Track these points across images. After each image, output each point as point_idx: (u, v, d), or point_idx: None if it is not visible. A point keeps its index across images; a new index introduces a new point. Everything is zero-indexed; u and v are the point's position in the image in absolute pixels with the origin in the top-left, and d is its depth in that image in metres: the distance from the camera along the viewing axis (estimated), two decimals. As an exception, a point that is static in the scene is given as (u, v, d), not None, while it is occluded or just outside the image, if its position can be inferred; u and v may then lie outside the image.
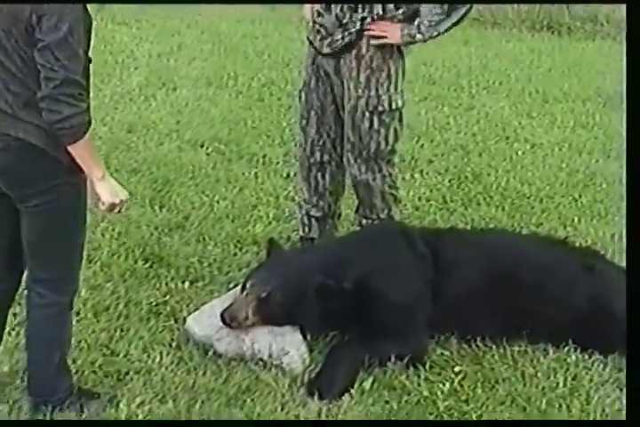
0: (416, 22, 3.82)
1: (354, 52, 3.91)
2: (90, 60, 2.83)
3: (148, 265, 4.24)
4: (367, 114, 3.98)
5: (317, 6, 3.95)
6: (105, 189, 2.79)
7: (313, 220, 4.38)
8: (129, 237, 4.48)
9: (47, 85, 2.60)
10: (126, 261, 4.24)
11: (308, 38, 4.08)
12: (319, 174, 4.27)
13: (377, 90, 3.94)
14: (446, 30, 3.85)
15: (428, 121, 6.74)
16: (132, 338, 3.60)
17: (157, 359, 3.48)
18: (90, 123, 2.69)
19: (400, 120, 4.07)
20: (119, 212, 2.93)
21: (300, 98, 4.23)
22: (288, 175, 5.48)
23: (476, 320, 3.72)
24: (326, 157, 4.23)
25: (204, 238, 4.57)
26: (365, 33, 3.84)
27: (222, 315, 3.50)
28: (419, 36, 3.84)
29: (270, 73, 8.01)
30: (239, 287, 3.68)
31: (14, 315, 3.42)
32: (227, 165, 5.66)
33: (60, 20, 2.56)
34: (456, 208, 5.15)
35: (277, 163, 5.71)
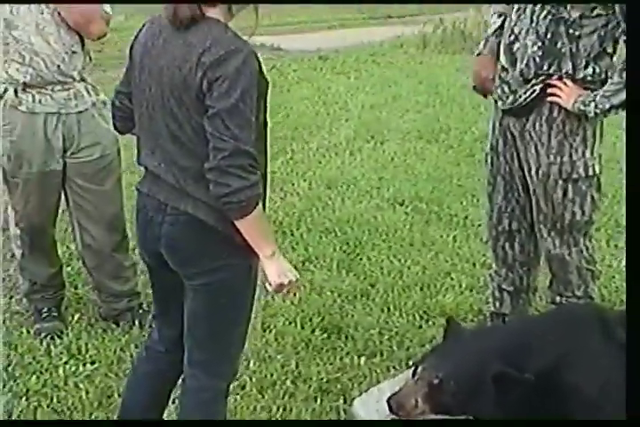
0: (598, 91, 3.41)
1: (544, 115, 3.53)
2: (266, 125, 2.65)
3: (325, 336, 4.00)
4: (560, 182, 3.59)
5: (502, 61, 3.61)
6: (274, 269, 2.56)
7: (505, 293, 4.01)
8: (309, 304, 4.27)
9: (215, 156, 2.37)
10: (303, 331, 4.02)
11: (494, 99, 3.74)
12: (507, 244, 3.90)
13: (571, 156, 3.55)
14: (620, 105, 3.37)
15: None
16: (294, 420, 3.36)
17: (320, 447, 3.23)
18: (260, 196, 2.46)
19: (598, 188, 3.66)
20: (288, 293, 2.70)
21: (486, 161, 3.90)
22: (488, 240, 5.11)
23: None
24: (515, 225, 3.86)
25: (388, 308, 4.29)
26: (548, 90, 3.48)
27: (389, 401, 3.19)
28: (588, 109, 3.42)
29: (485, 126, 7.65)
30: (410, 370, 3.36)
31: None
32: (424, 226, 5.38)
33: (231, 85, 2.35)
34: (674, 283, 4.60)
35: (479, 225, 5.34)
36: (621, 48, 3.40)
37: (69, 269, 4.46)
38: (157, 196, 2.58)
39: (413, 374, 3.29)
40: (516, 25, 3.53)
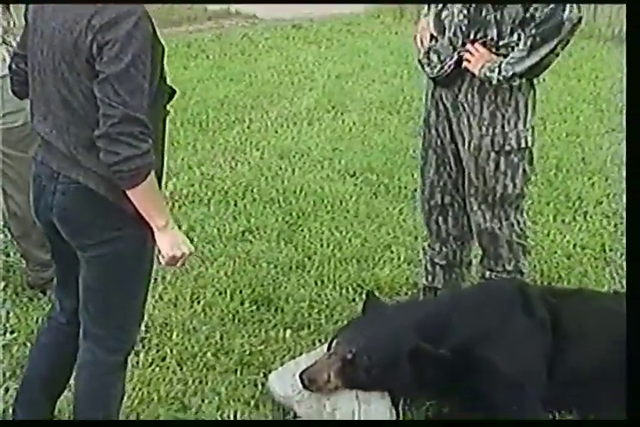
0: (504, 58, 3.35)
1: (475, 85, 3.46)
2: (172, 93, 2.57)
3: (254, 308, 3.97)
4: (492, 154, 3.53)
5: (431, 30, 3.54)
6: (166, 241, 2.48)
7: (437, 267, 3.96)
8: (243, 275, 4.22)
9: (105, 123, 2.29)
10: (232, 303, 3.98)
11: (419, 63, 3.65)
12: (440, 218, 3.84)
13: (503, 127, 3.49)
14: (523, 73, 3.34)
15: (607, 156, 6.10)
16: (209, 392, 3.32)
17: (231, 418, 3.18)
18: (151, 165, 2.36)
19: (530, 160, 3.60)
20: (182, 265, 2.63)
21: (419, 134, 3.83)
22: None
23: (600, 397, 3.19)
24: (448, 200, 3.80)
25: (322, 281, 4.24)
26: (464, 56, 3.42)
27: (301, 376, 3.15)
28: (493, 75, 3.36)
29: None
30: (327, 344, 3.32)
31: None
32: (372, 198, 5.32)
33: (122, 49, 2.26)
34: (615, 259, 4.55)
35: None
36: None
37: (2, 236, 4.38)
38: (50, 164, 2.51)
39: (328, 348, 3.25)
40: None
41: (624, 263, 4.47)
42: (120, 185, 2.37)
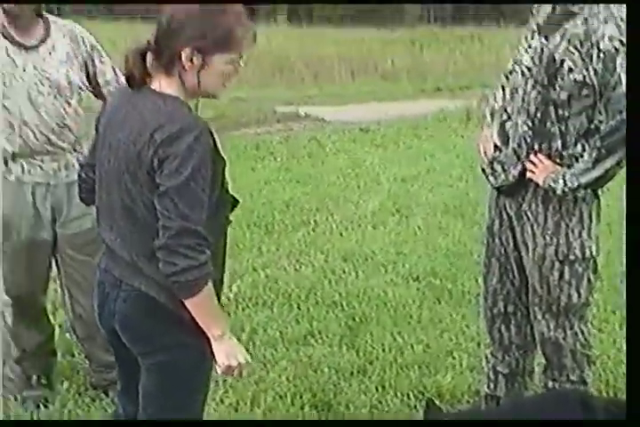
0: (569, 168, 3.37)
1: (540, 194, 3.48)
2: (235, 203, 2.65)
3: (314, 413, 3.93)
4: (557, 263, 3.52)
5: (495, 140, 3.58)
6: (222, 350, 2.52)
7: (500, 376, 3.91)
8: (304, 379, 4.21)
9: (164, 235, 2.36)
10: (292, 408, 3.96)
11: (483, 172, 3.69)
12: (503, 326, 3.82)
13: (567, 236, 3.49)
14: (588, 184, 3.35)
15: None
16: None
17: None
18: (208, 276, 2.42)
19: (594, 270, 3.58)
20: (240, 375, 2.66)
21: (482, 242, 3.85)
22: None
23: None
24: (511, 308, 3.78)
25: (384, 387, 4.21)
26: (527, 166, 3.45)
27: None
28: (558, 185, 3.37)
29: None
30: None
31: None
32: (435, 302, 5.30)
33: (182, 163, 2.34)
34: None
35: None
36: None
37: (67, 335, 4.45)
38: (113, 271, 2.58)
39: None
40: (508, 104, 3.52)
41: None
42: (178, 295, 2.43)
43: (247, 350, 4.36)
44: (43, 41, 3.57)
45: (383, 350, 4.59)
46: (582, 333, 3.65)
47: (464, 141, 10.94)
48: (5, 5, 3.45)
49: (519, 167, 3.49)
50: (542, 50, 3.37)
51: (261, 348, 4.54)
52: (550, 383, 3.73)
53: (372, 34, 24.85)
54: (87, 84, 3.71)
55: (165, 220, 2.37)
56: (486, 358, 3.99)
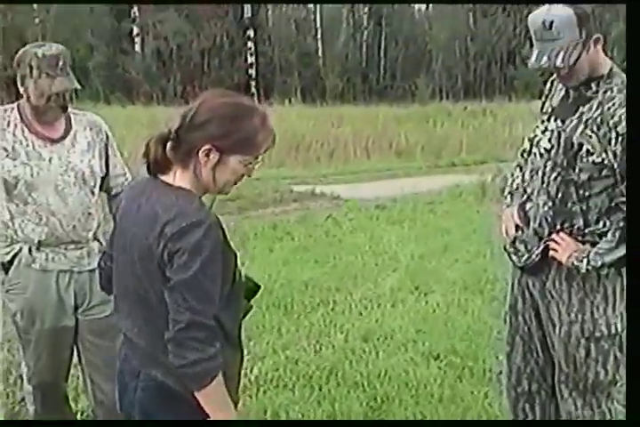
0: (591, 246, 3.40)
1: (563, 272, 3.50)
2: (256, 289, 2.70)
3: None
4: (583, 341, 3.52)
5: (516, 220, 3.62)
6: None
7: (525, 457, 3.88)
8: (327, 462, 4.19)
9: (173, 327, 2.41)
10: None
11: (506, 251, 3.73)
12: (527, 406, 3.81)
13: (592, 313, 3.49)
14: (612, 264, 3.35)
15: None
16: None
17: None
18: (218, 368, 2.45)
19: (620, 346, 3.57)
20: None
21: (504, 321, 3.86)
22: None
23: None
24: (535, 387, 3.77)
25: (407, 469, 4.18)
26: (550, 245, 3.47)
27: None
28: (582, 265, 3.39)
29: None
30: None
31: None
32: (456, 381, 5.28)
33: (190, 258, 2.38)
34: None
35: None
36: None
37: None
38: (132, 360, 2.63)
39: None
40: (528, 185, 3.58)
41: None
42: (188, 386, 2.46)
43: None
44: (66, 133, 3.68)
45: (407, 431, 4.57)
46: (609, 411, 3.63)
47: (480, 216, 11.00)
48: (34, 100, 3.56)
49: (542, 246, 3.52)
50: (559, 133, 3.43)
51: (284, 432, 4.52)
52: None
53: (385, 111, 25.14)
54: (104, 172, 3.81)
55: (175, 313, 2.41)
56: (510, 438, 3.96)
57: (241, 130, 2.47)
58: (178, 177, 2.53)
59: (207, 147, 2.46)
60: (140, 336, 2.58)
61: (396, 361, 5.58)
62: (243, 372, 5.22)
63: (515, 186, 3.85)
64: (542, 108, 3.66)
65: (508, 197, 3.86)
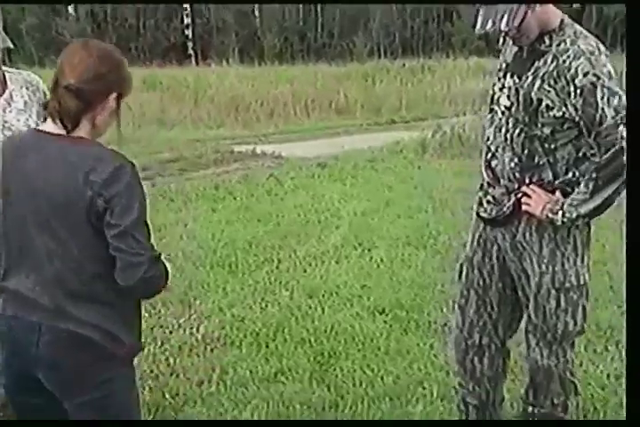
0: (566, 199, 3.41)
1: (533, 224, 3.51)
2: None
3: (289, 451, 3.95)
4: (553, 292, 3.54)
5: (484, 176, 3.61)
6: None
7: (470, 407, 3.93)
8: (277, 417, 4.22)
9: (135, 273, 2.48)
10: (266, 446, 3.97)
11: (475, 210, 3.72)
12: (476, 358, 3.84)
13: (563, 264, 3.52)
14: (587, 214, 3.38)
15: (635, 283, 6.11)
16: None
17: None
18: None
19: (587, 297, 3.61)
20: None
21: (459, 274, 3.86)
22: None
23: None
24: (485, 340, 3.80)
25: (356, 421, 4.22)
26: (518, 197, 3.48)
27: None
28: (556, 217, 3.40)
29: (473, 230, 7.70)
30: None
31: None
32: (402, 334, 5.34)
33: (130, 199, 2.48)
34: (650, 390, 4.50)
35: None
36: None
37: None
38: (29, 317, 2.59)
39: None
40: (492, 143, 3.56)
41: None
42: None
43: (218, 391, 4.44)
44: (2, 92, 3.61)
45: (354, 384, 4.61)
46: (572, 361, 3.69)
47: (421, 172, 11.07)
48: None
49: (512, 199, 3.51)
50: (517, 90, 3.42)
51: (232, 388, 4.55)
52: (530, 409, 3.76)
53: (324, 70, 25.02)
54: None
55: (132, 256, 2.48)
56: (455, 389, 4.01)
57: (128, 73, 2.64)
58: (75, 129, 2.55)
59: (115, 95, 2.58)
60: (43, 293, 2.56)
61: (342, 316, 5.62)
62: (189, 331, 5.28)
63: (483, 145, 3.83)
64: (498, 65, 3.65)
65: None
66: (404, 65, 25.99)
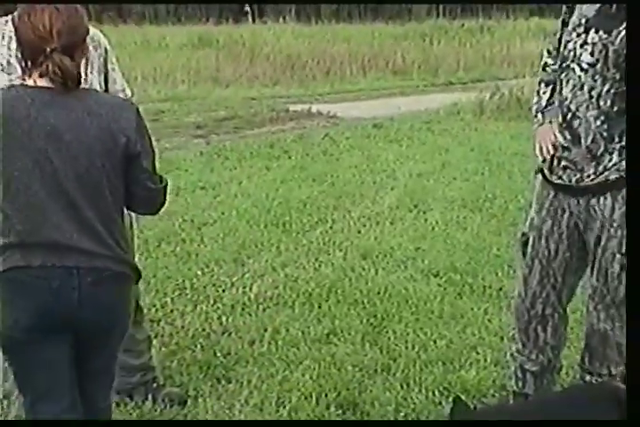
0: None
1: (607, 188, 3.42)
2: None
3: (339, 412, 3.92)
4: (618, 256, 3.46)
5: (560, 140, 3.51)
6: None
7: (528, 374, 3.86)
8: (328, 379, 4.19)
9: (156, 204, 2.85)
10: (317, 407, 3.94)
11: (543, 176, 3.62)
12: (539, 327, 3.76)
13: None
14: None
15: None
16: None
17: None
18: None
19: None
20: None
21: (524, 242, 3.77)
22: (521, 313, 4.99)
23: None
24: (549, 311, 3.73)
25: (408, 384, 4.18)
26: None
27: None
28: None
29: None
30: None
31: None
32: (456, 298, 5.28)
33: (149, 140, 2.71)
34: None
35: (512, 298, 5.23)
36: None
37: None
38: (64, 263, 2.61)
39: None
40: (570, 102, 3.45)
41: None
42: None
43: (270, 350, 4.43)
44: None
45: (406, 347, 4.57)
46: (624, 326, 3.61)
47: (478, 135, 10.94)
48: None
49: (603, 175, 3.42)
50: (605, 45, 3.31)
51: (284, 348, 4.53)
52: (587, 377, 3.70)
53: (381, 29, 24.78)
54: (104, 88, 3.70)
55: (156, 192, 2.78)
56: (512, 356, 3.94)
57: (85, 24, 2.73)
58: (38, 80, 2.60)
59: (84, 44, 2.69)
60: (81, 238, 2.60)
61: (395, 278, 5.57)
62: (242, 290, 5.28)
63: (544, 103, 3.73)
64: (565, 21, 3.53)
65: (539, 115, 3.71)
66: (462, 25, 25.66)
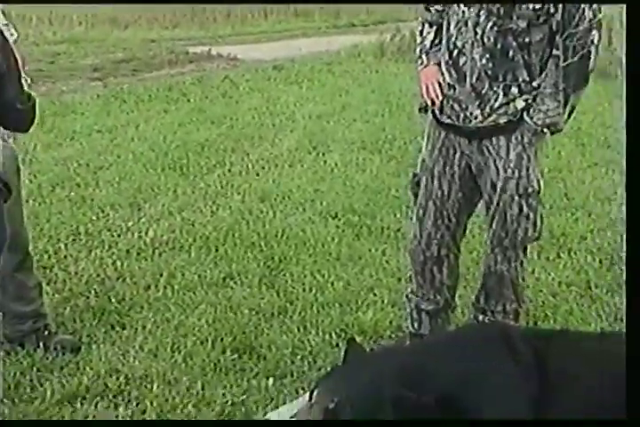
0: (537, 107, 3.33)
1: (500, 128, 3.41)
2: None
3: (235, 356, 3.87)
4: (516, 197, 3.45)
5: (447, 78, 3.46)
6: None
7: (424, 314, 3.88)
8: (224, 323, 4.14)
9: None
10: (213, 352, 3.89)
11: (434, 116, 3.59)
12: (435, 268, 3.76)
13: (527, 169, 3.42)
14: (554, 124, 3.34)
15: (590, 191, 6.09)
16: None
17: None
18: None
19: (542, 203, 3.55)
20: None
21: (417, 184, 3.74)
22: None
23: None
24: (444, 251, 3.72)
25: (305, 326, 4.16)
26: None
27: (283, 428, 3.08)
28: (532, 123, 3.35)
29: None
30: (308, 394, 3.24)
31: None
32: (354, 239, 5.26)
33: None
34: (600, 296, 4.50)
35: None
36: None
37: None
38: None
39: (310, 398, 3.18)
40: (457, 39, 3.39)
41: (610, 300, 4.43)
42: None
43: (165, 295, 4.36)
44: None
45: (303, 290, 4.54)
46: (522, 264, 3.64)
47: (378, 76, 10.90)
48: None
49: (491, 120, 3.40)
50: None
51: (180, 292, 4.46)
52: (481, 317, 3.73)
53: (282, -30, 24.43)
54: None
55: (17, 112, 2.92)
56: (408, 297, 3.95)
57: None
58: None
59: None
60: None
61: (293, 221, 5.53)
62: (137, 235, 5.17)
63: (428, 44, 3.65)
64: None
65: (424, 56, 3.62)
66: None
